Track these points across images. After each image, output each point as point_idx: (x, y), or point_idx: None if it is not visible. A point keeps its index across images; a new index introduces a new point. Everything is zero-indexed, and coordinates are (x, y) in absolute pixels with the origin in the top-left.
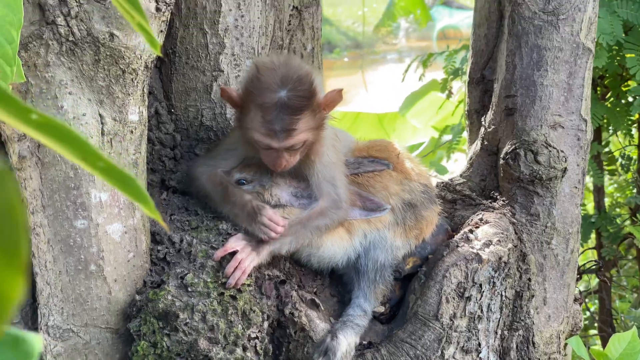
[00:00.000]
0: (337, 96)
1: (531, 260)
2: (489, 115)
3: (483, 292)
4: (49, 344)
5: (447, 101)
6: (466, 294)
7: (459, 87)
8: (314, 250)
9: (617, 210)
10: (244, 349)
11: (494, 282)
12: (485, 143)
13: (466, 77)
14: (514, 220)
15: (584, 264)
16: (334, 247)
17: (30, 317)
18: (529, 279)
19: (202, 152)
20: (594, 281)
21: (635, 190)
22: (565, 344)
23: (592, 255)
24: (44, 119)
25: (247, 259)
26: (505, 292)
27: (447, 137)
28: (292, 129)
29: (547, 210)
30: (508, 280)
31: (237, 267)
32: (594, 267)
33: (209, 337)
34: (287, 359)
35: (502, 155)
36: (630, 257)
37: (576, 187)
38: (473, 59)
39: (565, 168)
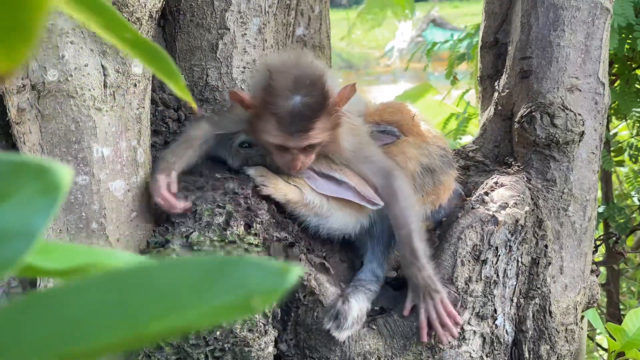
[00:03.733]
0: (350, 91)
1: (548, 226)
2: (503, 78)
3: (499, 255)
4: None
5: (444, 104)
6: (482, 257)
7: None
8: (323, 220)
9: (625, 202)
10: None
11: (510, 246)
12: (499, 108)
13: (478, 45)
14: (530, 186)
15: (600, 236)
16: (345, 217)
17: (29, 284)
18: (546, 246)
19: (207, 112)
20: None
21: None
22: (582, 317)
23: (600, 248)
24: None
25: None
26: (521, 258)
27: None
28: (308, 130)
29: (564, 176)
30: (524, 246)
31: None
32: (611, 237)
33: None
34: (296, 324)
35: (517, 119)
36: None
37: (593, 153)
38: (486, 22)
39: (583, 132)
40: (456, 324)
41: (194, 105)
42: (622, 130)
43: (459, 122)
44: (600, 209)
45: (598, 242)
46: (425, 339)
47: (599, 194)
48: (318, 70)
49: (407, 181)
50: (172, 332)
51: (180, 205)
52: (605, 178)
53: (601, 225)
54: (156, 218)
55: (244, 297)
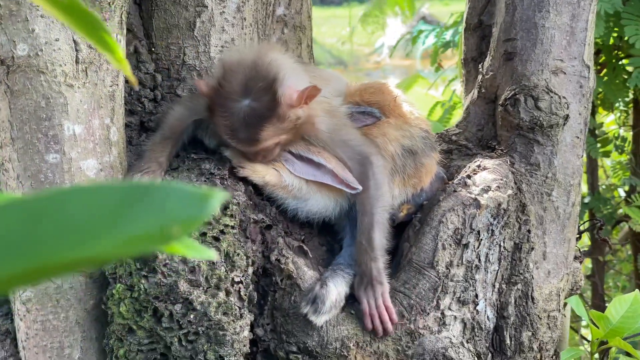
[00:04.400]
0: (312, 91)
1: (531, 211)
2: (487, 61)
3: (481, 240)
4: (18, 289)
5: (430, 95)
6: (463, 241)
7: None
8: (301, 203)
9: (611, 193)
10: (227, 293)
11: (492, 230)
12: (483, 90)
13: (462, 26)
14: (513, 170)
15: (584, 222)
16: (324, 200)
17: None
18: (529, 231)
19: (184, 92)
20: (586, 266)
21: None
22: (565, 303)
23: (586, 240)
24: None
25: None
26: (504, 242)
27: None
28: (256, 139)
29: (547, 160)
30: (507, 230)
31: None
32: (596, 224)
33: (189, 280)
34: (273, 308)
35: (500, 102)
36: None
37: (578, 137)
38: (470, 3)
39: (567, 115)
40: (391, 320)
41: (132, 79)
42: (609, 124)
43: (444, 110)
44: (586, 200)
45: (582, 229)
46: (369, 326)
47: (585, 185)
48: (273, 72)
49: (382, 169)
50: (84, 263)
51: None
52: (591, 169)
53: (587, 216)
54: None
55: (162, 224)
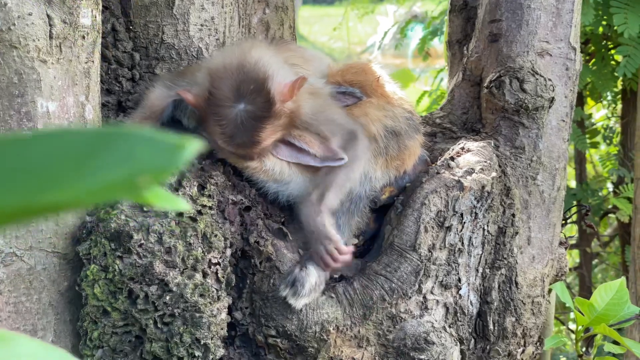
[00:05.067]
0: (300, 83)
1: (515, 194)
2: (472, 42)
3: (464, 222)
4: None
5: (418, 88)
6: (446, 224)
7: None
8: (282, 186)
9: (599, 184)
10: (204, 274)
11: (475, 213)
12: (468, 73)
13: (447, 5)
14: (498, 153)
15: (569, 208)
16: (306, 183)
17: None
18: (513, 215)
19: (162, 72)
20: (574, 258)
21: (618, 163)
22: (550, 290)
23: (572, 231)
24: None
25: None
26: (487, 226)
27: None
28: (256, 141)
29: (532, 143)
30: (491, 214)
31: None
32: (582, 210)
33: (165, 260)
34: (252, 292)
35: (485, 84)
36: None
37: (563, 121)
38: None
39: (553, 98)
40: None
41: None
42: (599, 119)
43: (432, 100)
44: (574, 191)
45: (567, 215)
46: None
47: (573, 178)
48: (262, 72)
49: (366, 148)
50: (44, 212)
51: None
52: (579, 159)
53: (574, 209)
54: None
55: (129, 173)
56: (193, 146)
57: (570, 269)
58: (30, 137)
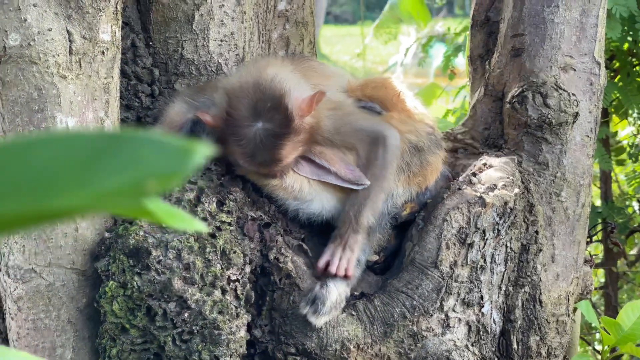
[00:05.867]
0: (319, 97)
1: (539, 211)
2: (494, 57)
3: (487, 239)
4: (9, 286)
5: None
6: (468, 240)
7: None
8: (303, 204)
9: (625, 202)
10: (223, 291)
11: (498, 230)
12: (490, 88)
13: (469, 21)
14: (521, 169)
15: (594, 226)
16: (327, 201)
17: None
18: (537, 232)
19: (182, 87)
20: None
21: None
22: (575, 309)
23: (597, 249)
24: None
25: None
26: (510, 243)
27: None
28: (277, 159)
29: (556, 159)
30: (514, 231)
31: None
32: (607, 227)
33: (184, 277)
34: (271, 309)
35: (508, 99)
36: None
37: (588, 136)
38: None
39: (577, 113)
40: (346, 276)
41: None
42: (624, 137)
43: (456, 118)
44: (599, 209)
45: (593, 232)
46: (321, 266)
47: (598, 193)
48: (278, 89)
49: (394, 150)
50: (48, 218)
51: None
52: (605, 177)
53: (599, 227)
54: None
55: (136, 178)
56: (203, 150)
57: (595, 288)
58: (35, 141)
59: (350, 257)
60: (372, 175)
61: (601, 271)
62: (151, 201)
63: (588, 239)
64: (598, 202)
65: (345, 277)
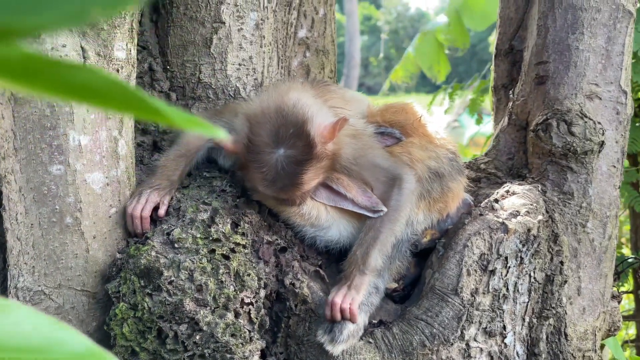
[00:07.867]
0: (342, 124)
1: (564, 241)
2: (518, 86)
3: (509, 267)
4: None
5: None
6: (490, 267)
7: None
8: (320, 232)
9: None
10: (236, 314)
11: (521, 258)
12: (514, 117)
13: (493, 54)
14: (545, 198)
15: (622, 262)
16: (346, 228)
17: (1, 284)
18: (562, 262)
19: (199, 111)
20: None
21: None
22: (602, 345)
23: (629, 301)
24: None
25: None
26: (534, 272)
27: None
28: (299, 184)
29: (582, 189)
30: (538, 260)
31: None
32: (634, 264)
33: (196, 298)
34: (287, 336)
35: (532, 128)
36: None
37: (614, 167)
38: (501, 28)
39: (603, 142)
40: (352, 320)
41: (221, 136)
42: None
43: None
44: (630, 259)
45: (620, 269)
46: (328, 314)
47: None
48: (300, 114)
49: (409, 193)
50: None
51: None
52: (636, 227)
53: (631, 279)
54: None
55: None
56: None
57: (625, 342)
58: None
59: (355, 297)
60: (385, 215)
61: (632, 323)
62: (168, 107)
63: (616, 275)
64: (624, 251)
65: (351, 319)
